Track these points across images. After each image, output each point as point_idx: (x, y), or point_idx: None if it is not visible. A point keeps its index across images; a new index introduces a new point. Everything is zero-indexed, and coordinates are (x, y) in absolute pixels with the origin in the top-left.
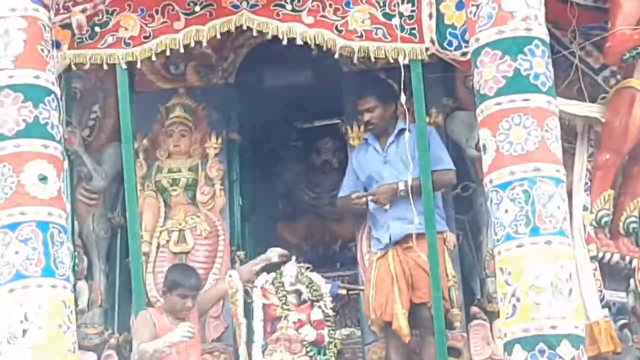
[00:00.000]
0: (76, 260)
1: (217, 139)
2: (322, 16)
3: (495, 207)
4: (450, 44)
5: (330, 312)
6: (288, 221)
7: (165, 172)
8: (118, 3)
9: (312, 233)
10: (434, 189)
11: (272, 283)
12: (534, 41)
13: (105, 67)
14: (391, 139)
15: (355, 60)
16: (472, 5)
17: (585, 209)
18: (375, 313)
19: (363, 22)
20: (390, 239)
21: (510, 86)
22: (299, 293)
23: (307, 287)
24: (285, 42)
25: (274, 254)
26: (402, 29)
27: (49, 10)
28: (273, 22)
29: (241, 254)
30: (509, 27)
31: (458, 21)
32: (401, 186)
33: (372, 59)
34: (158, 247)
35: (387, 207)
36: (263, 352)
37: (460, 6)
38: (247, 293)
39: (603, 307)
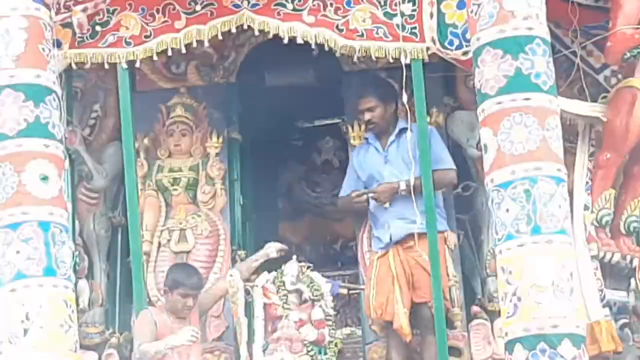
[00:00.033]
0: (77, 260)
1: (218, 138)
2: (323, 15)
3: (496, 206)
4: (451, 43)
5: (331, 312)
6: (289, 220)
7: (166, 171)
8: (119, 2)
9: (312, 232)
10: (435, 189)
11: (273, 282)
12: (535, 40)
13: (106, 66)
14: (392, 138)
15: (356, 60)
16: (473, 4)
17: (586, 208)
18: (376, 312)
19: (364, 21)
20: (390, 239)
21: (512, 85)
22: (299, 292)
23: (307, 286)
24: (286, 42)
25: (272, 249)
26: (403, 28)
27: (50, 10)
28: (274, 22)
29: (242, 253)
30: (510, 26)
31: (459, 20)
32: (402, 185)
33: (373, 58)
34: (159, 246)
35: (387, 205)
36: (264, 351)
37: (461, 5)
38: (247, 292)
39: (604, 306)
